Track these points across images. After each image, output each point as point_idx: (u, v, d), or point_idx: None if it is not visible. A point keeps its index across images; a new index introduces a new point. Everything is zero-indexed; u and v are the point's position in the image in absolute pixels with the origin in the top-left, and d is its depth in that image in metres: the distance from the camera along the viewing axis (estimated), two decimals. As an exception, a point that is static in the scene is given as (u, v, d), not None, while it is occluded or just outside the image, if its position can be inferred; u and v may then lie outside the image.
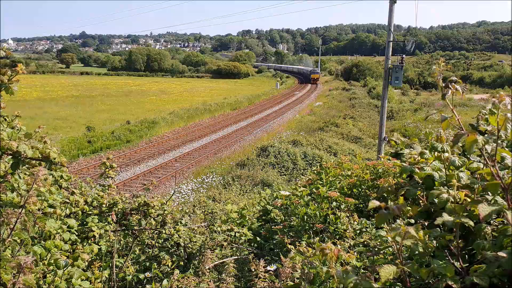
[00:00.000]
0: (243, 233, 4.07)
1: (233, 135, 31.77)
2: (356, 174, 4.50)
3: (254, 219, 4.70)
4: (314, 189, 4.21)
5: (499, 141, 1.78)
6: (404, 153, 2.71)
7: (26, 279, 1.85)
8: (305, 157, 20.04)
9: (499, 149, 1.83)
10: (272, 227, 4.12)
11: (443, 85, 1.95)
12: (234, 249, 4.05)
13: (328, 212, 3.75)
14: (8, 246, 1.99)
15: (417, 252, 1.77)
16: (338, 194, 3.90)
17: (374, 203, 1.86)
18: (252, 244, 4.17)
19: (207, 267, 3.25)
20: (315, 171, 4.90)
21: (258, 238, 4.22)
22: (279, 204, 4.35)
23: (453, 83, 1.93)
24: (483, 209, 1.70)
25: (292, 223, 3.94)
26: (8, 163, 2.25)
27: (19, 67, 2.22)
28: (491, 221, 1.93)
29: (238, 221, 4.49)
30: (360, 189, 4.31)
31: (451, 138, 2.03)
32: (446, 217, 1.80)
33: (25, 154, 2.20)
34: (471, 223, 1.79)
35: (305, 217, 3.83)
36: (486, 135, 1.76)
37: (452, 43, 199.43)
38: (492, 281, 1.60)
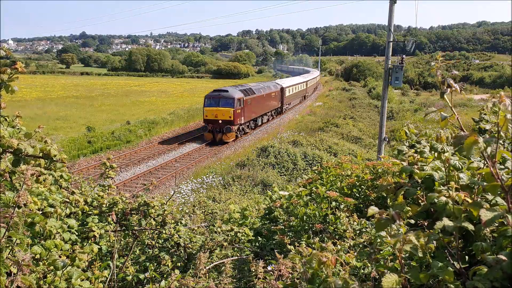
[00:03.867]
0: (244, 233, 4.08)
1: (233, 135, 31.63)
2: (356, 174, 4.50)
3: (257, 219, 4.71)
4: (313, 188, 4.21)
5: (499, 142, 1.78)
6: (404, 151, 2.70)
7: (24, 277, 1.85)
8: (305, 157, 20.04)
9: (500, 150, 1.83)
10: (272, 227, 4.12)
11: (441, 81, 1.95)
12: (235, 249, 4.06)
13: (327, 212, 3.75)
14: (7, 246, 1.99)
15: (416, 255, 1.77)
16: (338, 194, 3.90)
17: (373, 210, 1.85)
18: (253, 244, 4.17)
19: (205, 268, 3.25)
20: (316, 171, 4.90)
21: (259, 238, 4.23)
22: (278, 205, 4.35)
23: (451, 81, 1.92)
24: (485, 215, 1.69)
25: (291, 223, 3.94)
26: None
27: (18, 65, 2.21)
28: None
29: (240, 221, 4.50)
30: (360, 189, 4.31)
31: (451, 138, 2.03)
32: (446, 221, 1.79)
33: (25, 152, 2.19)
34: (471, 227, 1.78)
35: (304, 217, 3.83)
36: (486, 136, 1.76)
37: (452, 43, 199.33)
38: (494, 285, 1.60)
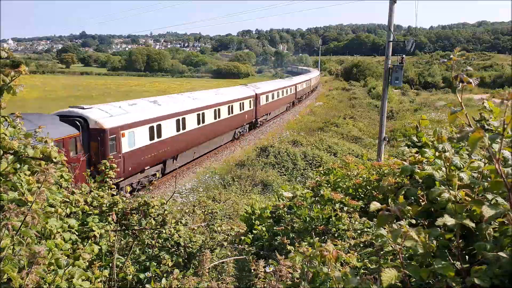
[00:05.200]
0: (258, 231, 4.10)
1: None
2: (361, 175, 4.50)
3: (268, 220, 4.71)
4: (320, 191, 4.22)
5: (505, 140, 1.77)
6: (405, 152, 2.70)
7: (38, 271, 1.87)
8: (305, 157, 20.04)
9: (505, 148, 1.83)
10: (275, 227, 4.12)
11: (454, 76, 1.94)
12: (237, 249, 4.05)
13: (331, 214, 3.75)
14: (14, 243, 2.00)
15: (418, 252, 1.77)
16: (342, 195, 3.91)
17: (375, 205, 1.86)
18: (254, 244, 4.17)
19: (206, 267, 3.25)
20: (321, 172, 4.90)
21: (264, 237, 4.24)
22: (282, 206, 4.35)
23: (464, 76, 1.91)
24: (487, 211, 1.69)
25: (295, 225, 3.94)
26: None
27: (22, 68, 2.21)
28: (492, 222, 1.93)
29: (257, 218, 4.50)
30: (365, 190, 4.31)
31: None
32: (447, 218, 1.79)
33: (26, 154, 2.20)
34: (472, 224, 1.78)
35: (307, 218, 3.83)
36: (491, 133, 1.76)
37: (452, 43, 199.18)
38: (493, 282, 1.60)
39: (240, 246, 4.04)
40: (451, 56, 2.04)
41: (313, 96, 60.05)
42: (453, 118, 1.89)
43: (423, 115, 3.03)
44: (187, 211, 4.65)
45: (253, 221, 4.42)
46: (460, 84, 1.92)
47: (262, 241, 4.11)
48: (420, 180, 2.29)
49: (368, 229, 3.47)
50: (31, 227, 2.05)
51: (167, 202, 3.99)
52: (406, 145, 3.02)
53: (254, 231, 4.13)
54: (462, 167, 2.05)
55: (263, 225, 4.41)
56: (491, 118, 2.78)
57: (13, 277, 1.82)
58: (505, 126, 1.65)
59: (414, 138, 2.97)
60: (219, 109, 23.99)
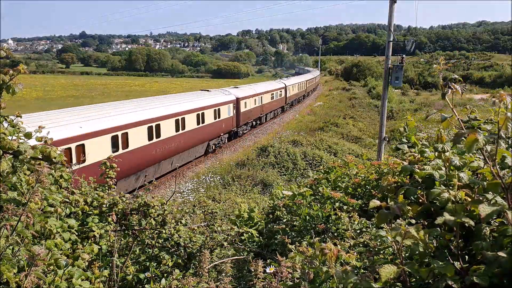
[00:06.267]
0: (250, 233, 4.09)
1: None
2: (360, 174, 4.51)
3: (262, 221, 4.70)
4: (319, 189, 4.22)
5: (500, 141, 1.77)
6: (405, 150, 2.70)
7: (37, 272, 1.87)
8: (305, 157, 20.04)
9: (500, 149, 1.83)
10: (275, 226, 4.12)
11: (443, 84, 1.95)
12: (236, 249, 4.06)
13: (330, 213, 3.75)
14: (11, 243, 1.99)
15: (417, 252, 1.77)
16: (342, 194, 3.91)
17: (375, 203, 1.86)
18: (254, 244, 4.18)
19: (205, 267, 3.25)
20: (321, 170, 4.91)
21: (261, 238, 4.24)
22: (281, 204, 4.36)
23: (453, 83, 1.93)
24: (483, 210, 1.70)
25: (294, 223, 3.94)
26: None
27: (20, 67, 2.21)
28: (492, 222, 1.94)
29: (246, 222, 4.50)
30: (364, 189, 4.31)
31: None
32: (446, 216, 1.80)
33: (25, 154, 2.19)
34: (472, 222, 1.79)
35: (307, 217, 3.83)
36: (487, 134, 1.76)
37: (452, 43, 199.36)
38: (492, 281, 1.60)
39: (240, 245, 4.04)
40: (435, 65, 2.06)
41: (313, 96, 59.87)
42: (446, 124, 1.91)
43: (409, 116, 3.06)
44: (187, 211, 4.65)
45: (238, 224, 4.43)
46: (449, 90, 1.93)
47: (253, 243, 4.11)
48: (420, 180, 2.29)
49: (367, 229, 3.47)
50: (29, 227, 2.04)
51: (167, 202, 3.99)
52: (396, 147, 3.05)
53: (245, 234, 4.13)
54: (461, 167, 2.05)
55: (254, 227, 4.41)
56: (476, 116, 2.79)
57: (9, 278, 1.81)
58: (499, 127, 1.66)
59: (404, 140, 2.99)
60: None
